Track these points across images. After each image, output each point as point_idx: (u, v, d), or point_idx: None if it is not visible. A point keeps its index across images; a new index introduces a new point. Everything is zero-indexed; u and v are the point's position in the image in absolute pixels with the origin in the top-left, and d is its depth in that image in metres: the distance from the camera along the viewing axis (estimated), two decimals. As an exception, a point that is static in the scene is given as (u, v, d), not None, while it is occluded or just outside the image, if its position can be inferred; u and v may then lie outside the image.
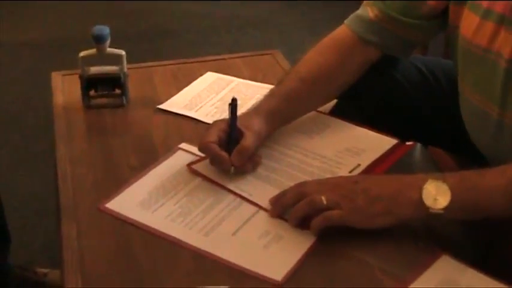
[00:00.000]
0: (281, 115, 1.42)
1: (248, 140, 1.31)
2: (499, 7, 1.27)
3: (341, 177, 1.29)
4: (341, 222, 1.16)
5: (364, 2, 1.50)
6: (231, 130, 1.32)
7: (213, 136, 1.31)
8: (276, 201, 1.23)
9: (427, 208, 1.14)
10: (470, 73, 1.37)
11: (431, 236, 1.21)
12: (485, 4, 1.30)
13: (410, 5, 1.43)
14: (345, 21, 1.51)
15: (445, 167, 1.70)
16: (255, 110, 1.40)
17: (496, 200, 1.16)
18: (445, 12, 1.41)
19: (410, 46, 1.53)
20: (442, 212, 1.14)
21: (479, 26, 1.31)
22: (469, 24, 1.33)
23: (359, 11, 1.50)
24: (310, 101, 1.48)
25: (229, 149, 1.31)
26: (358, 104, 1.53)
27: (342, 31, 1.50)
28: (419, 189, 1.15)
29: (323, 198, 1.17)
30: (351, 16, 1.51)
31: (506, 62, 1.26)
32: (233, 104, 1.33)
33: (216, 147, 1.30)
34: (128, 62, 1.61)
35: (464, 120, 1.44)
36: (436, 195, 1.15)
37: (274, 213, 1.22)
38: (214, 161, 1.32)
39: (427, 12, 1.42)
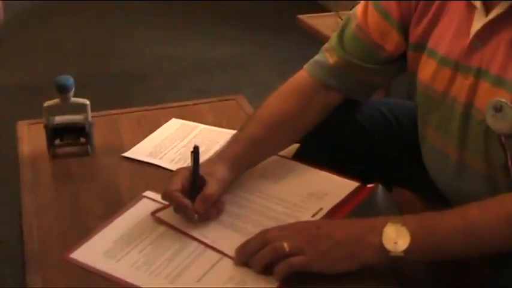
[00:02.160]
0: (244, 160, 1.43)
1: (211, 188, 1.32)
2: (454, 54, 1.31)
3: (303, 222, 1.30)
4: (304, 268, 1.17)
5: (323, 47, 1.53)
6: (194, 178, 1.33)
7: (177, 184, 1.32)
8: (240, 249, 1.23)
9: (387, 252, 1.16)
10: (430, 116, 1.40)
11: (393, 276, 1.22)
12: (441, 52, 1.33)
13: (370, 52, 1.46)
14: (304, 67, 1.53)
15: (412, 208, 1.71)
16: (218, 156, 1.41)
17: (456, 241, 1.18)
18: (403, 55, 1.45)
19: (371, 89, 1.56)
20: (402, 255, 1.15)
21: (437, 72, 1.35)
22: (427, 70, 1.37)
23: (317, 57, 1.53)
24: (272, 146, 1.50)
25: (193, 196, 1.31)
26: (321, 147, 1.54)
27: (302, 77, 1.52)
28: (380, 233, 1.16)
29: (285, 245, 1.18)
30: (310, 62, 1.53)
31: (462, 107, 1.30)
32: (195, 152, 1.34)
33: (179, 196, 1.31)
34: (97, 105, 1.61)
35: (425, 162, 1.47)
36: (396, 238, 1.16)
37: (238, 262, 1.23)
38: (178, 209, 1.32)
39: (386, 57, 1.46)
